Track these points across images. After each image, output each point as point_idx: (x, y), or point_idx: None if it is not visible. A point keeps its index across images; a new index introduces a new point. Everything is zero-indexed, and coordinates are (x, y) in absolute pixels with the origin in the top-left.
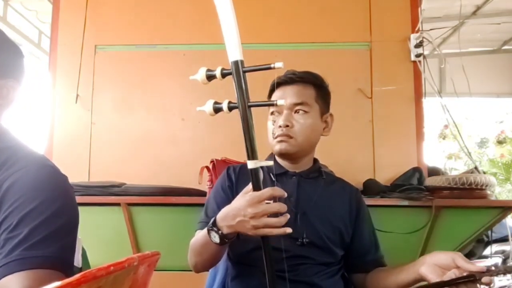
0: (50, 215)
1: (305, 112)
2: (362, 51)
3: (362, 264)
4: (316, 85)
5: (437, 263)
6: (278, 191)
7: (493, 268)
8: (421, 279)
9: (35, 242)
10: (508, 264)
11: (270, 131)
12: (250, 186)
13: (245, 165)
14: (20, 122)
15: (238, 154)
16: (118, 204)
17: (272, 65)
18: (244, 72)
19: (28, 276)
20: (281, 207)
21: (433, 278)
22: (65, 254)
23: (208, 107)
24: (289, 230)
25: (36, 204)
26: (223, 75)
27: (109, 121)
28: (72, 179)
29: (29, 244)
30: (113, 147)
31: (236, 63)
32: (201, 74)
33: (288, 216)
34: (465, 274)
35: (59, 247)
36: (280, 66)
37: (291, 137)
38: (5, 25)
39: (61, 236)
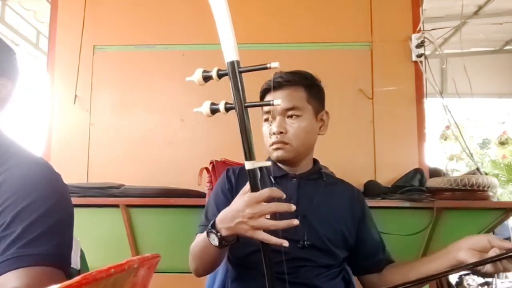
0: (44, 212)
1: (298, 116)
2: (363, 51)
3: (374, 264)
4: (306, 86)
5: (474, 247)
6: (277, 192)
7: None
8: (458, 265)
9: (30, 239)
10: None
11: (266, 137)
12: (247, 186)
13: (244, 166)
14: (19, 123)
15: (238, 155)
16: (116, 206)
17: (268, 65)
18: (240, 72)
19: (26, 273)
20: (278, 206)
21: None
22: (62, 251)
23: (205, 108)
24: (286, 243)
25: (29, 202)
26: (219, 76)
27: (107, 122)
28: (70, 180)
29: (24, 241)
30: (112, 148)
31: (232, 63)
32: (197, 75)
33: (297, 222)
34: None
35: (55, 244)
36: (276, 66)
37: (286, 143)
38: (3, 25)
39: (57, 234)
